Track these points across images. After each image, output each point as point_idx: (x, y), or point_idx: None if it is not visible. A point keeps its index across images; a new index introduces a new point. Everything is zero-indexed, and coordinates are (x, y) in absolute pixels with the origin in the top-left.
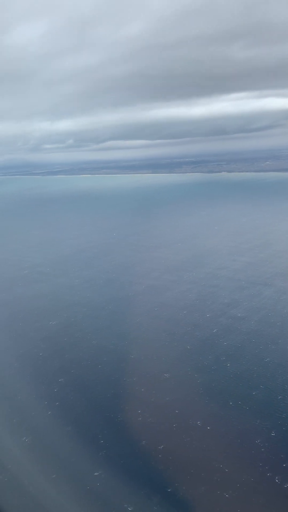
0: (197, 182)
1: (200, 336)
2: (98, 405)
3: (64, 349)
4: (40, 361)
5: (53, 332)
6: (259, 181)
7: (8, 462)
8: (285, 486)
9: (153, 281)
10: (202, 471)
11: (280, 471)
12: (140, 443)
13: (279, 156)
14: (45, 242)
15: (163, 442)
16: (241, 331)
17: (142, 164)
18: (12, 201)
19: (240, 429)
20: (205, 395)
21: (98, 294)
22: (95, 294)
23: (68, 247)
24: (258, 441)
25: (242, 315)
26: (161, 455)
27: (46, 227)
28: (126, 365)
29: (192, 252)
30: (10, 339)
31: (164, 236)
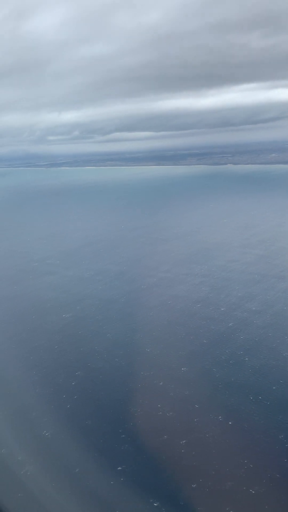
0: (202, 174)
1: (215, 329)
2: (117, 399)
3: (80, 342)
4: (55, 354)
5: (67, 325)
6: (266, 173)
7: (29, 456)
8: None
9: (164, 274)
10: (227, 466)
11: None
12: (162, 438)
13: (285, 148)
14: (53, 234)
15: (185, 437)
16: (257, 325)
17: (146, 156)
18: (18, 193)
19: (262, 424)
20: (225, 390)
21: (110, 287)
22: (106, 286)
23: (77, 240)
24: (282, 436)
25: (257, 309)
26: (184, 450)
27: (53, 220)
28: (142, 358)
29: (202, 245)
30: (24, 331)
31: (173, 229)
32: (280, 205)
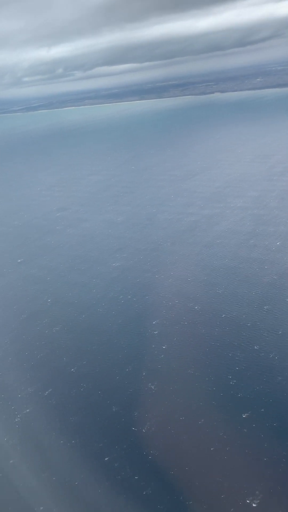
0: (192, 105)
1: (282, 263)
2: (211, 344)
3: (142, 291)
4: (124, 305)
5: (121, 274)
6: (258, 99)
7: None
8: None
9: (201, 211)
10: None
11: None
12: (277, 378)
13: (269, 71)
14: (64, 180)
15: None
16: None
17: (126, 91)
18: (2, 142)
19: None
20: None
21: (150, 230)
22: (145, 230)
23: (91, 184)
24: None
25: None
26: None
27: (55, 166)
28: (217, 300)
29: (226, 179)
30: (80, 283)
31: (188, 165)
32: (286, 130)
